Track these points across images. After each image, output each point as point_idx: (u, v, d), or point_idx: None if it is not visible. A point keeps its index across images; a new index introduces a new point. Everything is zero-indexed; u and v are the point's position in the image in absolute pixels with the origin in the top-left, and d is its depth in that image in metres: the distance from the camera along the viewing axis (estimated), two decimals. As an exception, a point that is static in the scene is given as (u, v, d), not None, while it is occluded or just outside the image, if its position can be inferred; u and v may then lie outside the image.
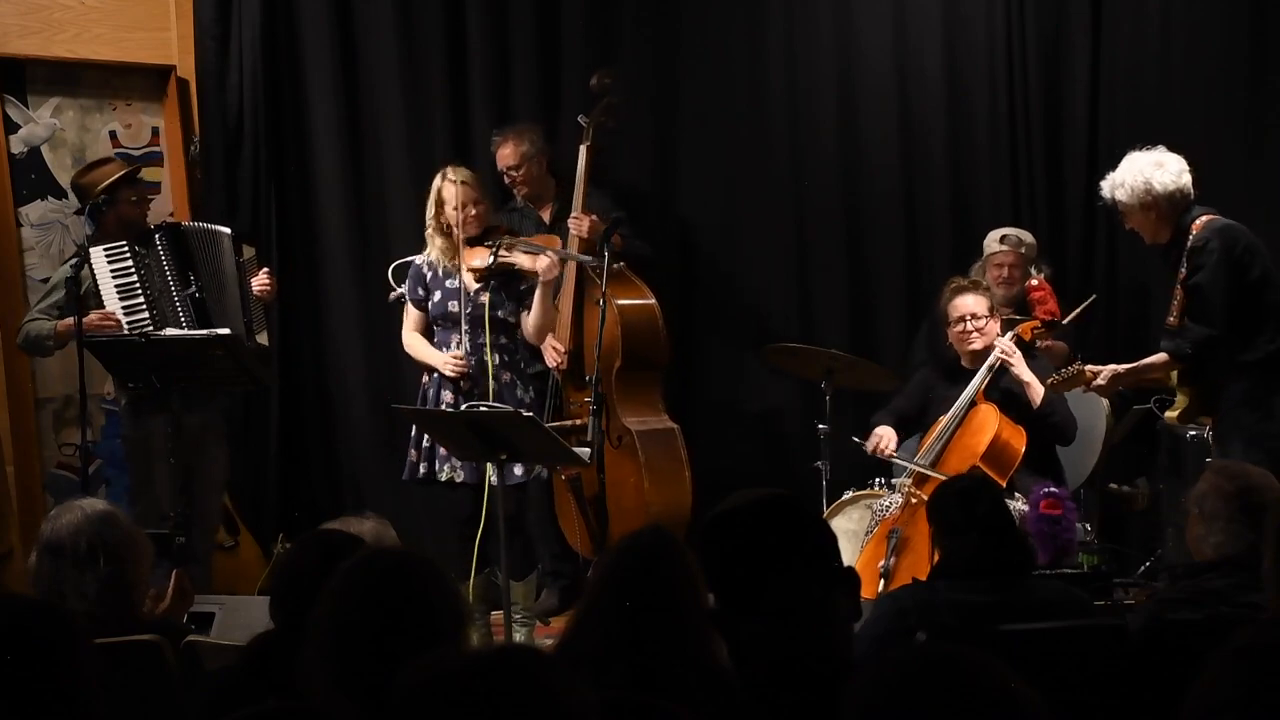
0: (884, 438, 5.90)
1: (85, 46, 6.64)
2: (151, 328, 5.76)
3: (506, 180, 6.63)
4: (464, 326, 5.74)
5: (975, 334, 5.83)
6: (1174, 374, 5.55)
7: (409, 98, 7.10)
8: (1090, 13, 6.90)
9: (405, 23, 7.08)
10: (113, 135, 6.75)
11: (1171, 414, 5.65)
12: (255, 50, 6.89)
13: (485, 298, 5.73)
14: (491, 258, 5.67)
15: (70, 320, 5.64)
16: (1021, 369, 5.75)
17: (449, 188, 5.80)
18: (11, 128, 6.51)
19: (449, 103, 7.12)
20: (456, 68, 7.14)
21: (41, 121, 6.59)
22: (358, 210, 7.11)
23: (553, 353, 6.15)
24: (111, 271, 5.83)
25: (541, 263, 5.72)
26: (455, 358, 5.75)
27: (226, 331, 5.63)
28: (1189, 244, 5.31)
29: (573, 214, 6.26)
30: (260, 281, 6.11)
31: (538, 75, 7.19)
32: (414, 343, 5.95)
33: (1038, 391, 5.72)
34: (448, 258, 5.81)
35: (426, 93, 7.12)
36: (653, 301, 6.28)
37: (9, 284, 6.42)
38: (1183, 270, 5.33)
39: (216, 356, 5.55)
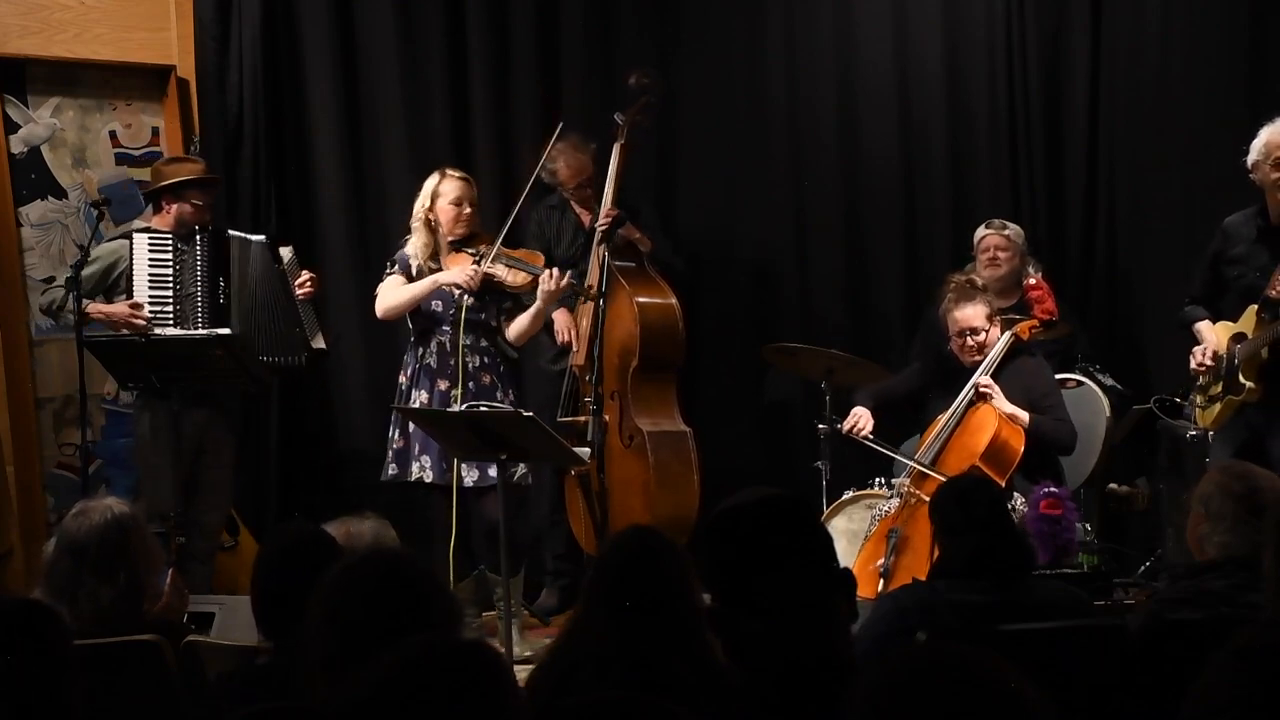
0: (860, 419, 5.89)
1: (85, 46, 6.63)
2: (171, 322, 5.78)
3: (573, 189, 6.55)
4: (445, 326, 5.77)
5: (974, 347, 5.81)
6: (1244, 365, 5.38)
7: (409, 98, 7.09)
8: (1090, 13, 6.91)
9: (405, 23, 7.08)
10: (113, 135, 6.75)
11: (1206, 417, 5.57)
12: (255, 50, 6.88)
13: (467, 300, 5.74)
14: (473, 268, 5.69)
15: (95, 306, 5.75)
16: (1001, 403, 5.69)
17: (449, 182, 5.85)
18: (11, 128, 6.51)
19: (449, 103, 7.12)
20: (457, 68, 7.14)
21: (41, 121, 6.59)
22: (358, 210, 7.11)
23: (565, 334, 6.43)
24: (150, 260, 5.87)
25: (519, 279, 5.74)
26: (472, 272, 5.69)
27: (226, 331, 5.64)
28: None
29: (603, 211, 6.23)
30: (303, 286, 6.09)
31: (538, 76, 7.19)
32: (401, 291, 5.82)
33: (1023, 419, 5.69)
34: (426, 254, 5.82)
35: (426, 93, 7.12)
36: (673, 301, 6.26)
37: (9, 284, 6.41)
38: None
39: (216, 357, 5.55)
